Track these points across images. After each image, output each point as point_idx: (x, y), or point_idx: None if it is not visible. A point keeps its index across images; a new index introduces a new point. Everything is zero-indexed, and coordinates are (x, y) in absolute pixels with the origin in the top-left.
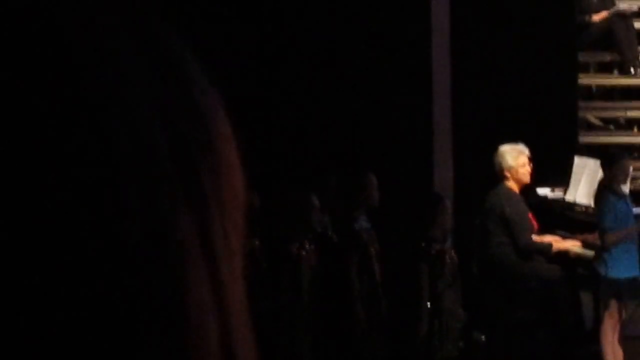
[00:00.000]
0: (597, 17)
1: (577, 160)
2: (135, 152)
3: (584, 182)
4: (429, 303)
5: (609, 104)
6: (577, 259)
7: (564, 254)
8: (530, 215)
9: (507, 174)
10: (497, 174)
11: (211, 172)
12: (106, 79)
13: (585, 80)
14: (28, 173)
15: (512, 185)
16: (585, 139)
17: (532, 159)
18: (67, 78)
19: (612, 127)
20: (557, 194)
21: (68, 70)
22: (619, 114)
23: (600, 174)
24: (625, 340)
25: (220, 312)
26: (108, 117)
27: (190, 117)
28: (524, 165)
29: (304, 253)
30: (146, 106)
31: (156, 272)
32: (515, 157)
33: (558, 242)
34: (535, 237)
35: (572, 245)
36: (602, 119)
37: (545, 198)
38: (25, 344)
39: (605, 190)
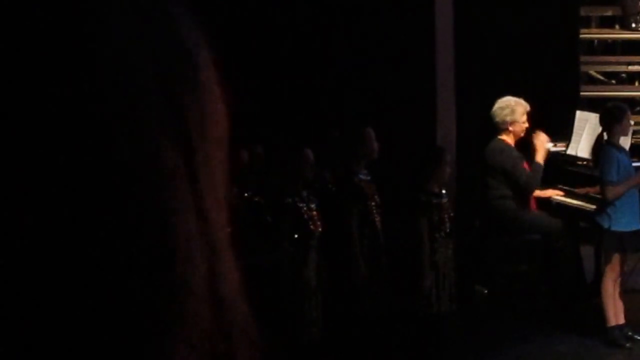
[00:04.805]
0: None
1: (579, 114)
2: (123, 85)
3: (585, 136)
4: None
5: (611, 58)
6: (579, 212)
7: (564, 209)
8: (526, 164)
9: (503, 127)
10: (494, 126)
11: (195, 105)
12: (95, 17)
13: (587, 34)
14: (32, 109)
15: (506, 138)
16: (587, 93)
17: (534, 113)
18: (59, 18)
19: (613, 81)
20: (559, 147)
21: (60, 11)
22: (621, 68)
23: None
24: (626, 293)
25: (206, 242)
26: (97, 53)
27: (175, 53)
28: (520, 119)
29: (300, 205)
30: (133, 42)
31: (144, 201)
32: (512, 111)
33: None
34: (538, 191)
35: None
36: (604, 73)
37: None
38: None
39: (606, 143)
